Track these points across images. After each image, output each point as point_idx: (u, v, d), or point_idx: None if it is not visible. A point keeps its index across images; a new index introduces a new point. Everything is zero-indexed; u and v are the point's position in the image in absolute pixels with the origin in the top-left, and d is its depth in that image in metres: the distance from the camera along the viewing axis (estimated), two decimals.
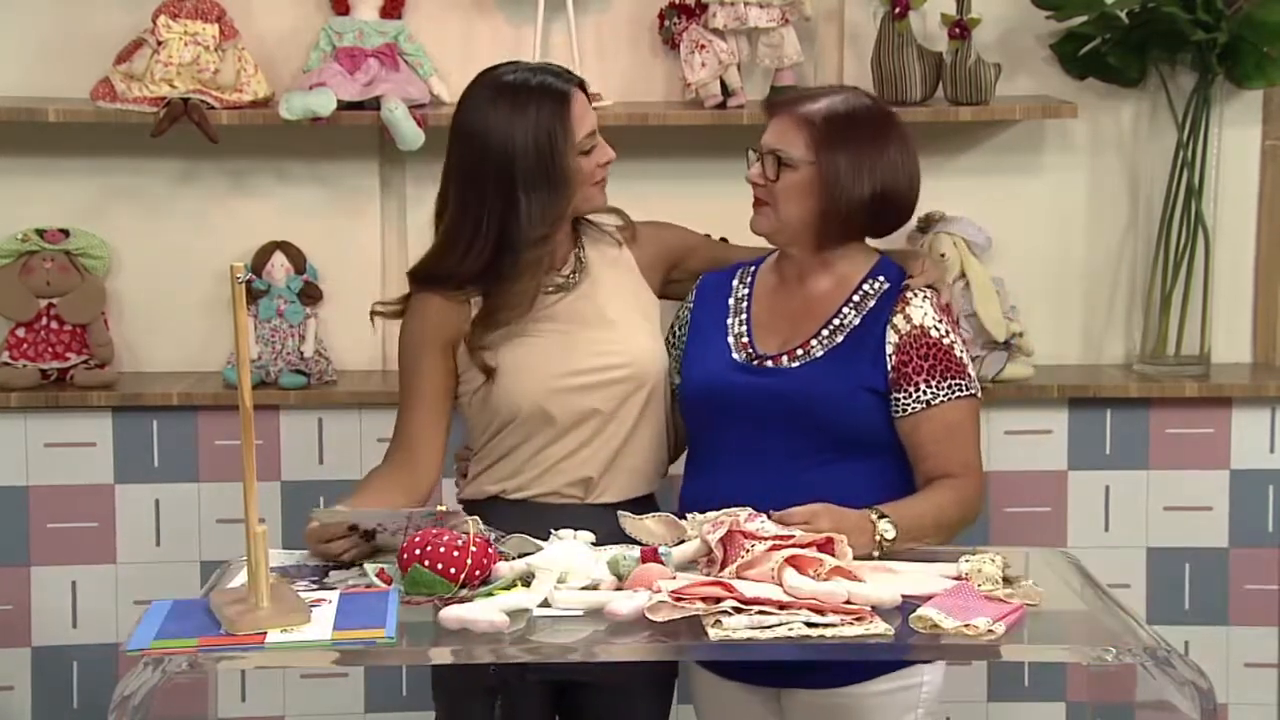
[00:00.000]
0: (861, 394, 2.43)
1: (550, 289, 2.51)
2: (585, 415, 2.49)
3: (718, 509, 2.25)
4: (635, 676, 2.46)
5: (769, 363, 2.48)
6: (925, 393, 2.42)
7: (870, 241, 2.57)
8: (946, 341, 2.45)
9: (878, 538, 2.31)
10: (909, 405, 2.43)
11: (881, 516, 2.33)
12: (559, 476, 2.49)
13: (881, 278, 2.50)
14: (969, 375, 2.46)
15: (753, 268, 2.61)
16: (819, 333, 2.48)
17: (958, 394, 2.43)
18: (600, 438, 2.50)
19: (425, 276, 2.52)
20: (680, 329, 2.62)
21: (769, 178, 2.48)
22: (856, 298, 2.48)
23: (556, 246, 2.52)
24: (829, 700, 2.42)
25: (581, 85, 2.52)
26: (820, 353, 2.47)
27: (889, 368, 2.43)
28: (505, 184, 2.43)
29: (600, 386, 2.49)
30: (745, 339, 2.52)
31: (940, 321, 2.45)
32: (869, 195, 2.45)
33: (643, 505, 2.53)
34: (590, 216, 2.58)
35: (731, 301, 2.58)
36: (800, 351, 2.48)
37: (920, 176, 2.52)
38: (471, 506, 2.50)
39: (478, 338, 2.47)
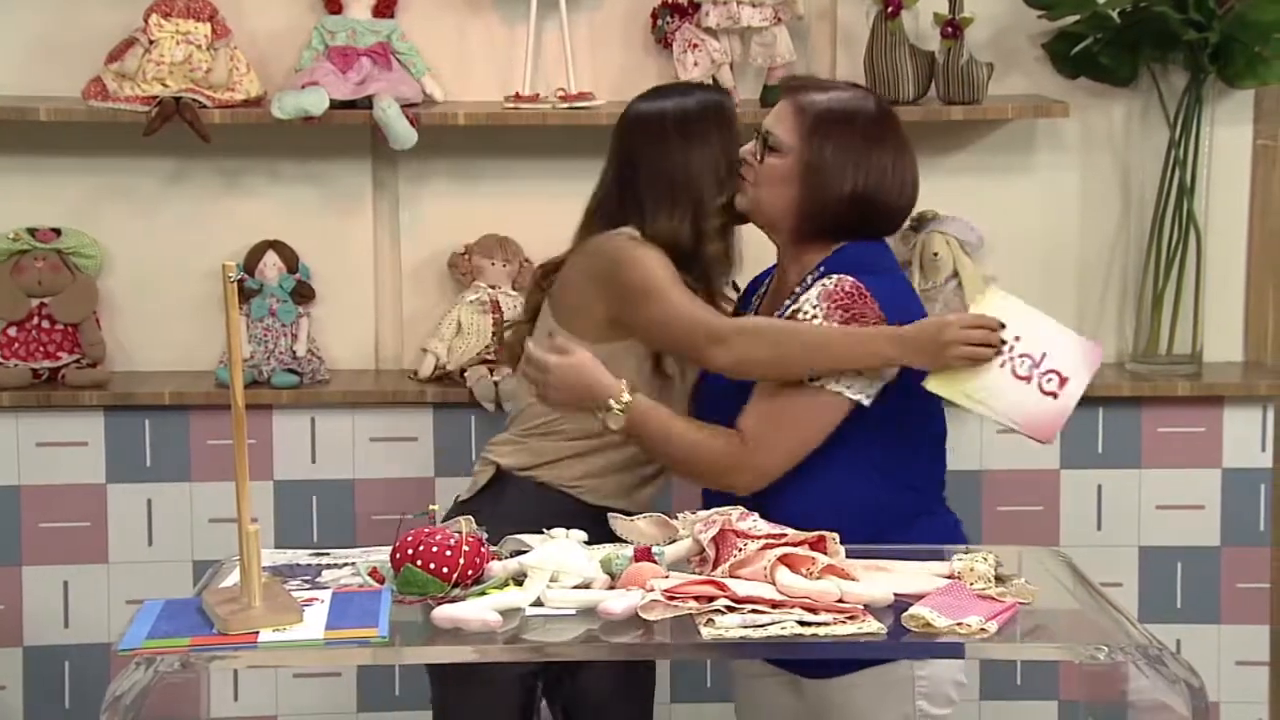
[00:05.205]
0: None
1: None
2: None
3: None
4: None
5: None
6: None
7: None
8: (799, 320, 2.43)
9: (600, 415, 2.41)
10: None
11: (629, 402, 2.41)
12: (630, 502, 2.57)
13: (822, 267, 2.47)
14: None
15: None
16: None
17: None
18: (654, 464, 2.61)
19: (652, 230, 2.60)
20: None
21: (756, 158, 2.49)
22: (799, 288, 2.49)
23: None
24: (823, 689, 2.45)
25: None
26: None
27: None
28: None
29: None
30: None
31: (817, 305, 2.41)
32: (849, 194, 2.44)
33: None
34: None
35: (755, 299, 2.63)
36: None
37: (915, 187, 2.50)
38: (525, 482, 2.61)
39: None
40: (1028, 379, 2.39)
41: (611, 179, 2.66)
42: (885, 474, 2.45)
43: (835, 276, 2.43)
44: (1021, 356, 2.39)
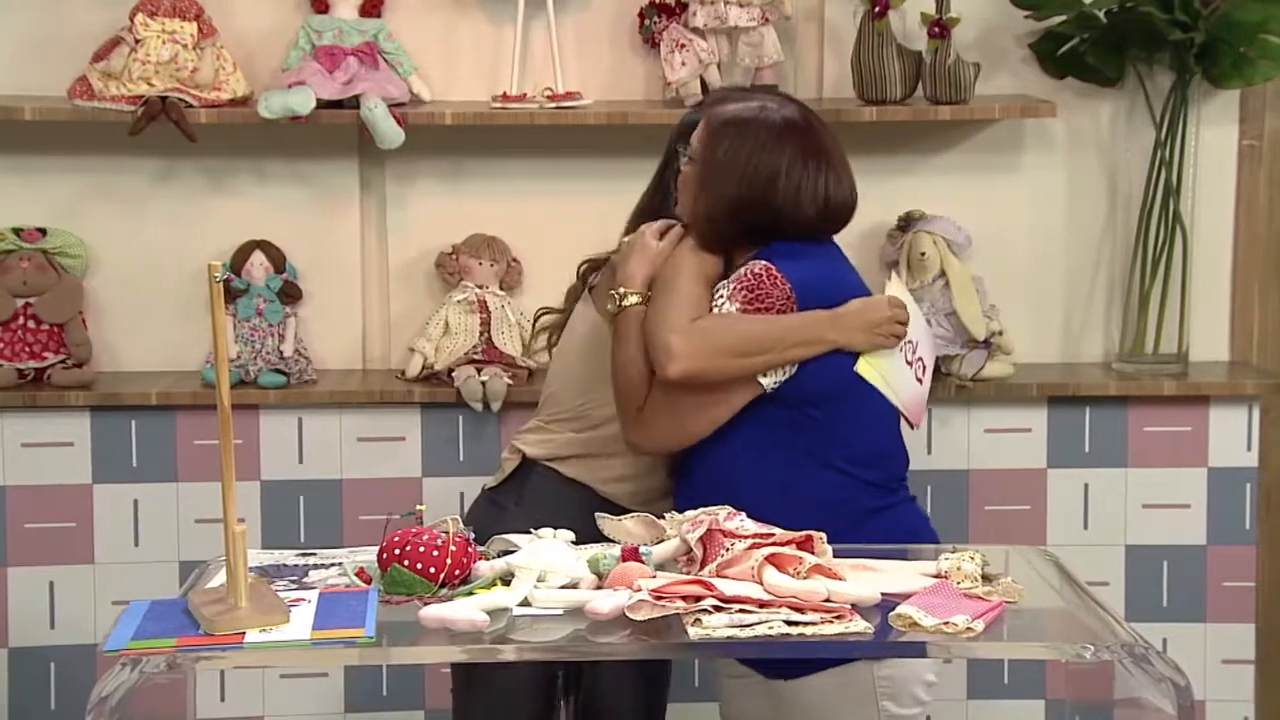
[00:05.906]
0: None
1: None
2: None
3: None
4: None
5: None
6: None
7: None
8: (713, 301, 2.46)
9: (611, 289, 2.49)
10: None
11: (626, 305, 2.47)
12: (654, 508, 2.55)
13: (751, 262, 2.48)
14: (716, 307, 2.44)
15: None
16: None
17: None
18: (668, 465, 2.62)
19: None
20: None
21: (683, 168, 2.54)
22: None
23: None
24: (788, 690, 2.45)
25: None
26: None
27: None
28: None
29: None
30: None
31: (725, 287, 2.45)
32: (733, 197, 2.44)
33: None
34: None
35: None
36: None
37: (823, 199, 2.46)
38: (550, 474, 2.64)
39: None
40: (910, 365, 2.48)
41: (658, 181, 2.70)
42: (837, 470, 2.45)
43: (751, 262, 2.46)
44: (908, 343, 2.50)
